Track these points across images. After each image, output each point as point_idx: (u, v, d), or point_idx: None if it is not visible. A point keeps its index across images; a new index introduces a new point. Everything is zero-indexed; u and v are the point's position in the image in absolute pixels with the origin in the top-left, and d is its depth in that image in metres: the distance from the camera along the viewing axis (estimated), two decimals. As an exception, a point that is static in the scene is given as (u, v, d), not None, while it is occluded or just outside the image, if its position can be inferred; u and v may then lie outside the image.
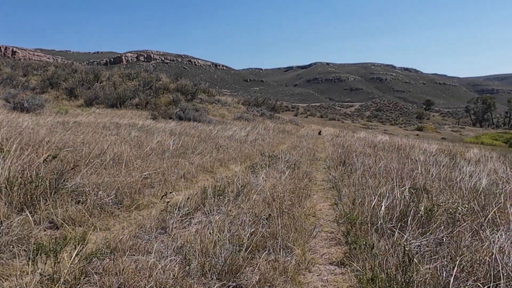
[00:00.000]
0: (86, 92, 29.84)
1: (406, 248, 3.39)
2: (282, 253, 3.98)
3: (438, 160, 11.76)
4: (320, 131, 29.19)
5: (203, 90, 38.03)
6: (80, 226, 4.44)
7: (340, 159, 10.01)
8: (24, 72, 40.45)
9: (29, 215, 4.17)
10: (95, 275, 3.23)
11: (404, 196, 4.90)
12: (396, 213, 4.59)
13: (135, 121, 18.71)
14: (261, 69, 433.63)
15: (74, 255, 3.30)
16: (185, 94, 32.85)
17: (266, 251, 3.98)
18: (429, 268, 3.40)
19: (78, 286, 3.13)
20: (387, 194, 4.98)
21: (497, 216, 4.68)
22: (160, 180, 6.30)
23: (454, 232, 4.05)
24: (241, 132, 17.34)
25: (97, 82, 34.55)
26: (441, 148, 17.42)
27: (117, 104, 27.91)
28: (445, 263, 3.42)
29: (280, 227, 4.28)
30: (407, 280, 3.19)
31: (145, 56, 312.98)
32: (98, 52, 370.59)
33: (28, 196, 4.71)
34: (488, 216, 4.55)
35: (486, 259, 3.38)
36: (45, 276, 3.05)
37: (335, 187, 6.91)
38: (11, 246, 3.65)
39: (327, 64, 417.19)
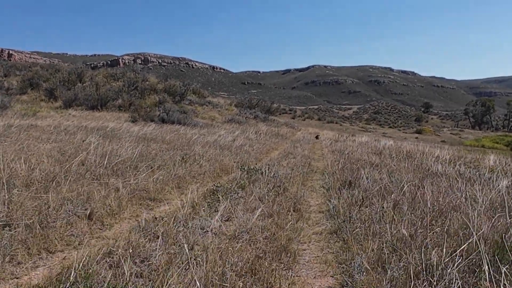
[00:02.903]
0: (65, 93, 27.68)
1: None
2: None
3: (461, 171, 9.65)
4: (317, 135, 27.11)
5: (194, 91, 35.92)
6: None
7: (343, 175, 7.67)
8: (5, 73, 38.34)
9: None
10: None
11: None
12: None
13: (108, 124, 16.58)
14: (259, 72, 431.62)
15: None
16: (173, 95, 30.72)
17: None
18: None
19: None
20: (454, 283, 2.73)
21: None
22: (28, 230, 3.78)
23: None
24: (227, 137, 15.22)
25: (80, 82, 32.47)
26: (454, 154, 15.29)
27: (98, 106, 25.81)
28: None
29: None
30: None
31: (142, 58, 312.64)
32: (95, 55, 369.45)
33: None
34: None
35: None
36: None
37: (338, 233, 4.57)
38: None
39: (325, 67, 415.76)
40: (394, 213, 4.50)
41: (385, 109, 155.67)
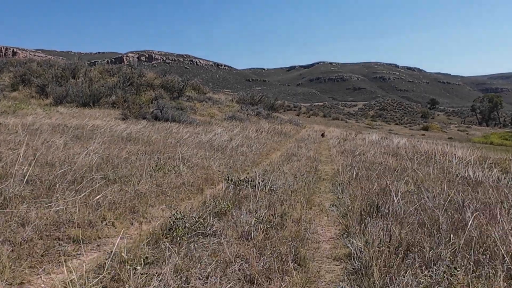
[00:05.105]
0: (56, 89, 26.14)
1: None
2: None
3: (499, 178, 8.03)
4: (323, 133, 25.42)
5: (193, 87, 34.30)
6: None
7: (363, 191, 5.83)
8: (-2, 69, 36.88)
9: None
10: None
11: None
12: None
13: (94, 122, 15.08)
14: (264, 69, 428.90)
15: None
16: (170, 91, 29.15)
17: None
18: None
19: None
20: None
21: None
22: None
23: None
24: (223, 136, 13.64)
25: (73, 78, 30.98)
26: (477, 154, 13.60)
27: (90, 103, 24.24)
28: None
29: None
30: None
31: (147, 56, 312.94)
32: (99, 53, 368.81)
33: None
34: None
35: None
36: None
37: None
38: None
39: (330, 63, 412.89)
40: (469, 278, 2.78)
41: (391, 105, 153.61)
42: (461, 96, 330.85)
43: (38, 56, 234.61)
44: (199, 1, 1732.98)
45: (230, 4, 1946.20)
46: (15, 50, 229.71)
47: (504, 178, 8.69)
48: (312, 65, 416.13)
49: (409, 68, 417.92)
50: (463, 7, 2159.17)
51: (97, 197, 4.64)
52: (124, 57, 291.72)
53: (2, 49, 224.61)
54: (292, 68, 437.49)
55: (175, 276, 3.09)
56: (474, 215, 3.99)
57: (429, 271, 3.05)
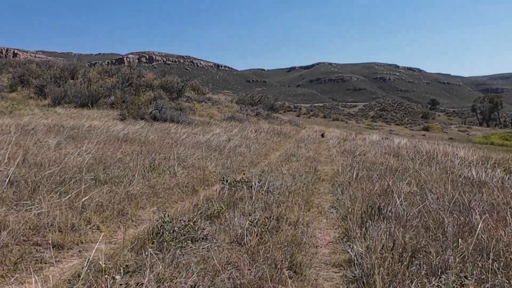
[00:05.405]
0: (54, 90, 26.00)
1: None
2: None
3: (500, 177, 7.84)
4: (323, 133, 25.26)
5: (193, 88, 34.15)
6: None
7: (364, 192, 5.62)
8: (-3, 70, 36.79)
9: None
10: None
11: None
12: None
13: (91, 123, 14.90)
14: (264, 70, 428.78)
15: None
16: (170, 92, 28.99)
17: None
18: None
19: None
20: None
21: None
22: None
23: None
24: (222, 136, 13.46)
25: (72, 79, 30.84)
26: (479, 154, 13.41)
27: (88, 103, 24.10)
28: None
29: None
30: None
31: (147, 57, 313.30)
32: (100, 54, 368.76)
33: None
34: None
35: None
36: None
37: None
38: None
39: (330, 64, 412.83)
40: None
41: (391, 106, 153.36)
42: (462, 96, 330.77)
43: (38, 57, 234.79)
44: (200, 2, 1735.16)
45: (231, 5, 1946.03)
46: (15, 51, 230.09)
47: (508, 179, 8.50)
48: (312, 65, 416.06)
49: (410, 69, 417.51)
50: (463, 7, 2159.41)
51: (83, 199, 4.42)
52: (125, 58, 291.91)
53: (3, 50, 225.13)
54: (292, 69, 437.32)
55: (157, 287, 2.86)
56: (483, 218, 3.78)
57: (437, 280, 2.84)
